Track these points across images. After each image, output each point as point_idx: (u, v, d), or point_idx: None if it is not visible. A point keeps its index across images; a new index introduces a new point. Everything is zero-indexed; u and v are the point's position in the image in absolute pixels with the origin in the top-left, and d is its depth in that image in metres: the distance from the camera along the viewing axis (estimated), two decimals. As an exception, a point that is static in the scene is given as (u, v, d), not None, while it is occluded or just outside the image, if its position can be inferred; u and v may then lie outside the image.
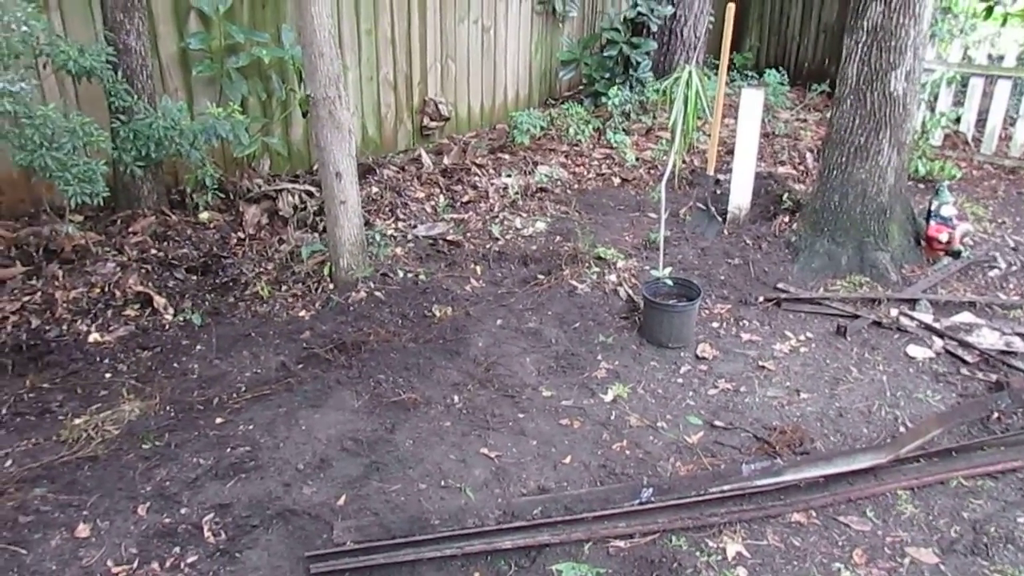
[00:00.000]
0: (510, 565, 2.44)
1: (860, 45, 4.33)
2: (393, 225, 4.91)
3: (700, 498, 2.70)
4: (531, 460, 2.95)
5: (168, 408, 3.15)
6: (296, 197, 4.81)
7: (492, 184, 5.60)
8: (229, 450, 2.92)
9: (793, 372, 3.58)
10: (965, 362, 3.60)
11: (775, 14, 9.52)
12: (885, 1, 4.17)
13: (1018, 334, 3.77)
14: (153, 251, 4.19)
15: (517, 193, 5.48)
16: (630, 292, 4.23)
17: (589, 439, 3.09)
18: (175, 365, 3.46)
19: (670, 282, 3.92)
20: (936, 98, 6.58)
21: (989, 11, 9.13)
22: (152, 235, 4.32)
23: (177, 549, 2.47)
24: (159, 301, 3.79)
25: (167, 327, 3.71)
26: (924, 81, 6.31)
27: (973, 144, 6.53)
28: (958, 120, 6.58)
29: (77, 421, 3.03)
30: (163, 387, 3.28)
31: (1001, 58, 6.46)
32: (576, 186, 5.84)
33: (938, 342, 3.76)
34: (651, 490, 2.72)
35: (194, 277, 4.10)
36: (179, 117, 4.00)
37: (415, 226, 4.92)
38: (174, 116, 3.97)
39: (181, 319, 3.77)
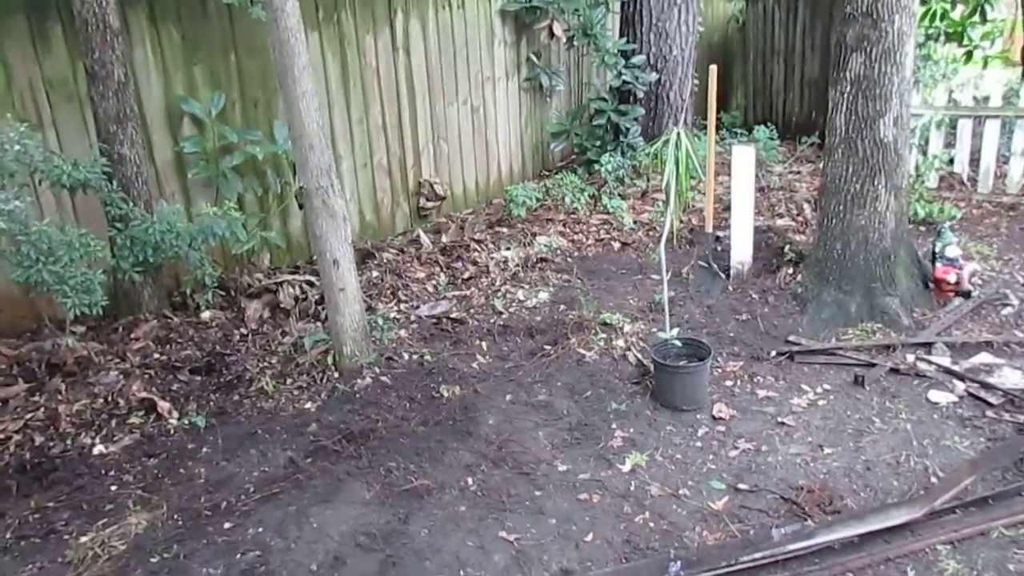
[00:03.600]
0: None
1: (846, 95, 4.37)
2: (395, 308, 4.89)
3: (731, 568, 2.58)
4: (551, 540, 2.84)
5: (175, 517, 3.06)
6: (297, 288, 4.81)
7: (492, 258, 5.60)
8: (239, 556, 2.81)
9: (814, 427, 3.47)
10: (990, 404, 3.49)
11: (758, 73, 9.72)
12: (866, 52, 4.23)
13: (1041, 370, 3.68)
14: (156, 355, 4.16)
15: (518, 265, 5.48)
16: (639, 356, 4.16)
17: (610, 513, 2.97)
18: (181, 471, 3.37)
19: (679, 343, 3.86)
20: (927, 141, 6.62)
21: (969, 55, 9.37)
22: (154, 339, 4.30)
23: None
24: (163, 406, 3.73)
25: (172, 432, 3.64)
26: (913, 126, 6.37)
27: (969, 183, 6.53)
28: (951, 161, 6.61)
29: (83, 539, 2.92)
30: (170, 495, 3.19)
31: (987, 99, 6.53)
32: (576, 253, 5.84)
33: (959, 385, 3.66)
34: (679, 563, 2.59)
35: (198, 378, 4.05)
36: (175, 220, 4.03)
37: (417, 307, 4.90)
38: (170, 219, 3.99)
39: (186, 422, 3.70)
